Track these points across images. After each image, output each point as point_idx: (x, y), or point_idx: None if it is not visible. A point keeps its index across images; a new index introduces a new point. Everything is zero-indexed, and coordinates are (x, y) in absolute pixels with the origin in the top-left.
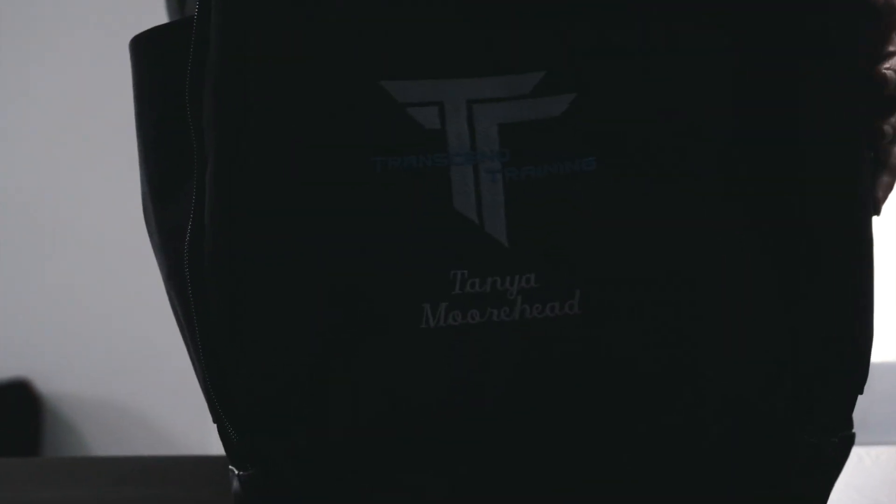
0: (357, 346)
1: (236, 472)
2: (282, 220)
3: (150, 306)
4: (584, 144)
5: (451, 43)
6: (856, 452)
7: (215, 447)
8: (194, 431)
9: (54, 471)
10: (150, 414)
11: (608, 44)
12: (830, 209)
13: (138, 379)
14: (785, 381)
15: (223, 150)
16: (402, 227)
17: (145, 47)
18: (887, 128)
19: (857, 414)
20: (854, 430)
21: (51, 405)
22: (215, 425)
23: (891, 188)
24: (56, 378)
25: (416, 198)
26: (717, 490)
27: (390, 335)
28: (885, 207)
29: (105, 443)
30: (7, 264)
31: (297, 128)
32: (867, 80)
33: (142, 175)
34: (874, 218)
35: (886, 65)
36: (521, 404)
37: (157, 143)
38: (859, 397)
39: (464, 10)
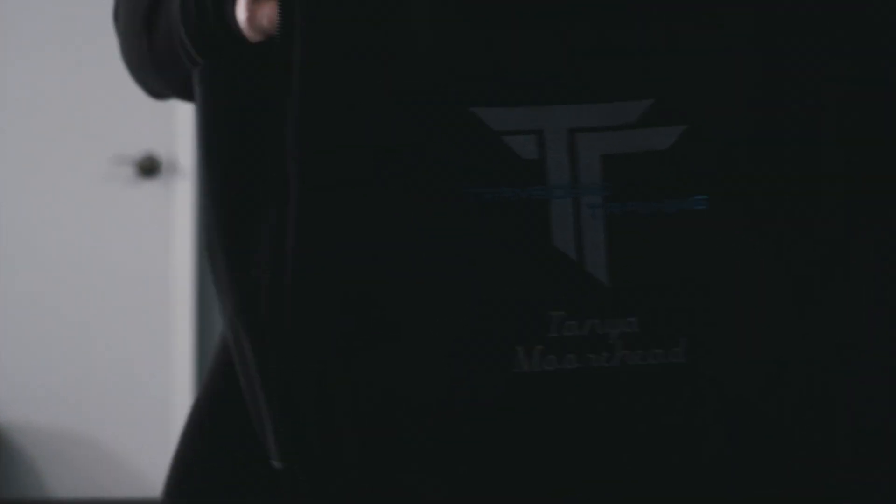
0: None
1: None
2: (370, 245)
3: (118, 330)
4: (694, 181)
5: (549, 66)
6: None
7: None
8: (162, 467)
9: None
10: (114, 447)
11: (719, 73)
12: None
13: (102, 409)
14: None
15: (308, 173)
16: (495, 262)
17: (217, 77)
18: None
19: None
20: None
21: (6, 437)
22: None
23: None
24: (12, 407)
25: (511, 232)
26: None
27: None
28: None
29: (65, 479)
30: None
31: (384, 151)
32: None
33: (208, 211)
34: None
35: None
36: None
37: (231, 175)
38: None
39: (552, 26)
